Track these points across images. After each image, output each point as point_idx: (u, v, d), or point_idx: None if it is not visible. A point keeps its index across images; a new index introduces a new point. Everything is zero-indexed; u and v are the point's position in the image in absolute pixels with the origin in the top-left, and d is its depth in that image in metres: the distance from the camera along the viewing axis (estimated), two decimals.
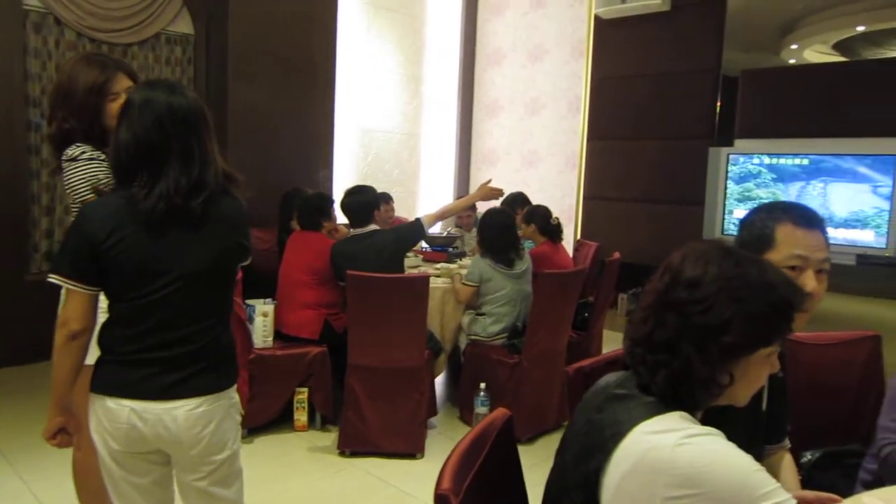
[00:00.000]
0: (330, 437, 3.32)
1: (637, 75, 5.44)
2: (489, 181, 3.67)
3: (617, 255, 4.28)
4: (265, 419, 3.33)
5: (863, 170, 4.26)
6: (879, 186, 4.18)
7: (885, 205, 4.14)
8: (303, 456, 3.18)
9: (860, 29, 6.40)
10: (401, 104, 6.16)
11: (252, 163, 4.50)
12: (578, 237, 5.60)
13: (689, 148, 5.10)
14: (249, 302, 3.34)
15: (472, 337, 3.56)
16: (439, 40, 6.45)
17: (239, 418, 1.64)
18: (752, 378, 1.07)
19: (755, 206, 1.54)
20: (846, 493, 1.49)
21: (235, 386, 1.61)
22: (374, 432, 3.14)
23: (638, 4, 5.23)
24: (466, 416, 3.54)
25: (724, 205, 4.81)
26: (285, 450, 3.22)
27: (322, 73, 5.11)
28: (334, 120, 5.22)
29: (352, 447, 3.16)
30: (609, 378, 1.18)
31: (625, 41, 5.48)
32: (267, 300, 3.44)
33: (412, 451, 3.17)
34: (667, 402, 1.04)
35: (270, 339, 3.37)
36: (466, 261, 4.14)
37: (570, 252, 5.09)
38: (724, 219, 4.80)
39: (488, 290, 3.50)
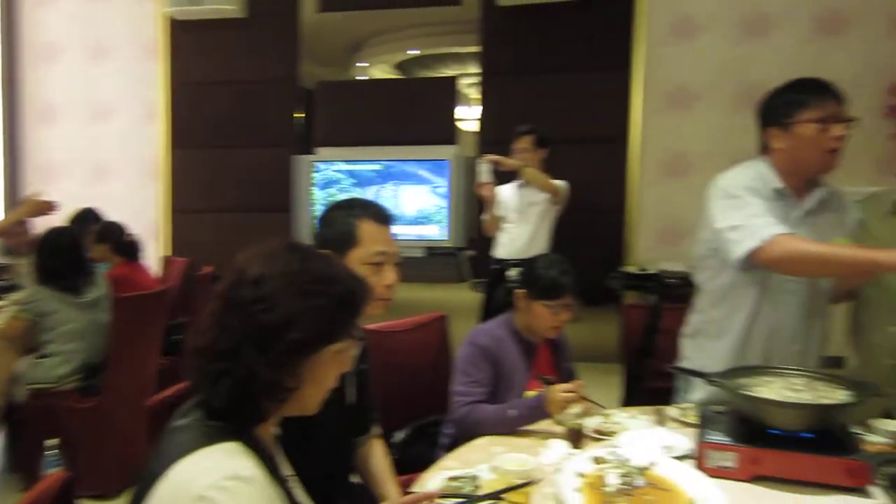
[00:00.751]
0: None
1: (219, 82, 5.26)
2: (38, 194, 3.05)
3: (208, 268, 4.04)
4: None
5: (424, 173, 4.91)
6: (438, 187, 4.87)
7: (444, 203, 4.85)
8: None
9: (414, 52, 7.46)
10: None
11: None
12: (169, 254, 5.14)
13: (275, 156, 5.16)
14: None
15: (33, 386, 2.89)
16: None
17: None
18: (321, 379, 1.01)
19: (331, 203, 1.56)
20: (432, 461, 1.63)
21: None
22: None
23: (212, 8, 5.03)
24: (34, 485, 2.86)
25: (311, 210, 5.02)
26: None
27: None
28: None
29: None
30: (183, 406, 1.03)
31: (203, 45, 5.24)
32: None
33: None
34: (224, 425, 0.94)
35: None
36: (22, 294, 3.37)
37: (158, 271, 4.64)
38: (311, 223, 5.00)
39: (52, 324, 2.89)
